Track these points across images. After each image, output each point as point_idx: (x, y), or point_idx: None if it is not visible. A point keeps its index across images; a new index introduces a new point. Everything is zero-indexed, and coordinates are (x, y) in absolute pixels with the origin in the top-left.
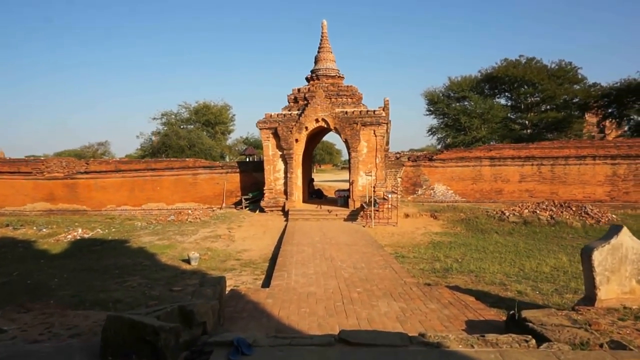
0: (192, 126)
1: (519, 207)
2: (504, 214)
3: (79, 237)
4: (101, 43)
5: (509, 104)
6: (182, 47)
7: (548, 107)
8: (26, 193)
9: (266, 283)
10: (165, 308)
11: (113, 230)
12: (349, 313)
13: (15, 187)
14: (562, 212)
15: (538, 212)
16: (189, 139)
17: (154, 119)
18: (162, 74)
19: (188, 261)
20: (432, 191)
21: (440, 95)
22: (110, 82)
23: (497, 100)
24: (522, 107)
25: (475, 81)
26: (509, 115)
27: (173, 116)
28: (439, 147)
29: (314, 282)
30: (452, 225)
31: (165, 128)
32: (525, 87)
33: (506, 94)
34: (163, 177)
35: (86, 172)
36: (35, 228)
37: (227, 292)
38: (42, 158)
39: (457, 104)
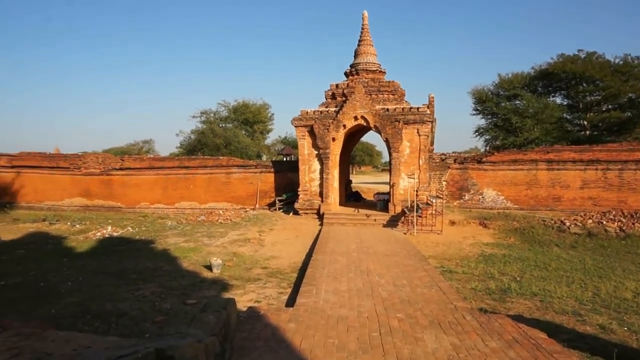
0: (230, 125)
1: (581, 216)
2: (564, 223)
3: (107, 235)
4: (145, 42)
5: (566, 103)
6: (225, 45)
7: (610, 106)
8: (64, 188)
9: (291, 300)
10: (137, 353)
11: (143, 229)
12: (387, 349)
13: (55, 181)
14: (633, 223)
15: (604, 222)
16: (225, 137)
17: (194, 117)
18: (204, 72)
19: (210, 268)
20: (480, 196)
21: (489, 93)
22: (156, 81)
23: (552, 98)
24: (581, 106)
25: (528, 78)
26: (565, 115)
27: (212, 114)
28: (485, 149)
29: (346, 302)
30: (505, 235)
31: (204, 126)
32: (585, 84)
33: (562, 92)
34: (196, 176)
35: (121, 169)
36: (69, 224)
37: (244, 311)
38: (80, 154)
39: (508, 102)
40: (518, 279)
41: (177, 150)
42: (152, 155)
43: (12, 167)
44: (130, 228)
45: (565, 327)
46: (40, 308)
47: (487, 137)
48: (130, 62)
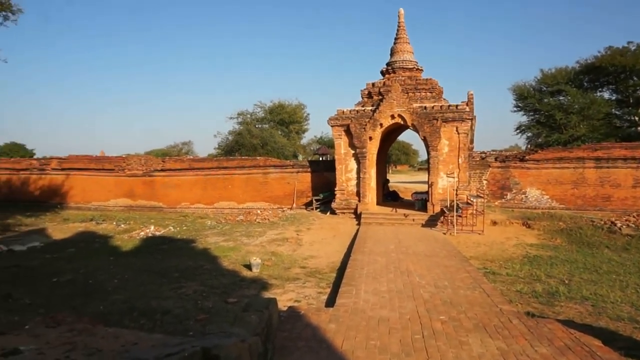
0: (266, 125)
1: (633, 217)
2: (615, 224)
3: (150, 235)
4: (180, 44)
5: (614, 98)
6: (261, 46)
7: None
8: (110, 189)
9: (331, 300)
10: (184, 352)
11: (184, 228)
12: (430, 352)
13: (101, 183)
14: None
15: None
16: (262, 137)
17: (231, 118)
18: (240, 73)
19: (249, 267)
20: (523, 196)
21: (531, 89)
22: (194, 83)
23: (599, 94)
24: (631, 101)
25: (573, 73)
26: (613, 110)
27: (249, 115)
28: (526, 147)
29: (387, 302)
30: (550, 236)
31: (241, 127)
32: (635, 78)
33: (610, 86)
34: (234, 176)
35: (162, 170)
36: (114, 223)
37: (284, 310)
38: (124, 156)
39: (551, 98)
40: (566, 282)
41: (215, 151)
42: (191, 157)
43: (62, 169)
44: (171, 227)
45: (622, 334)
46: (89, 304)
47: (529, 134)
48: (169, 65)
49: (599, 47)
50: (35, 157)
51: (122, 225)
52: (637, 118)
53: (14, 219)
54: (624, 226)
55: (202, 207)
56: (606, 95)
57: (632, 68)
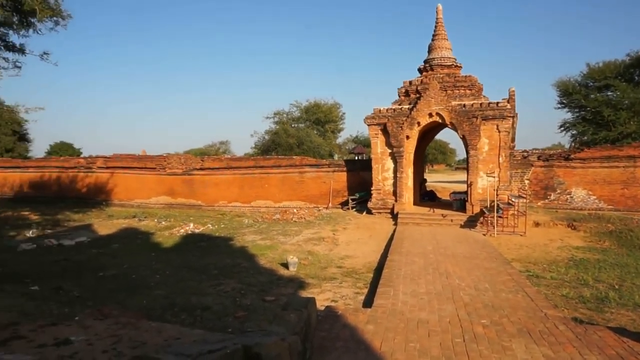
0: (302, 125)
1: None
2: None
3: (190, 232)
4: (217, 44)
5: None
6: (296, 45)
7: None
8: (151, 187)
9: (368, 300)
10: (225, 349)
11: (222, 226)
12: (472, 357)
13: (143, 181)
14: None
15: None
16: (298, 136)
17: (267, 117)
18: (277, 73)
19: (286, 266)
20: (568, 196)
21: (577, 84)
22: (232, 82)
23: None
24: None
25: (622, 66)
26: None
27: (285, 115)
28: (571, 145)
29: (425, 304)
30: (598, 238)
31: (277, 126)
32: None
33: None
34: (271, 175)
35: (201, 169)
36: (156, 220)
37: (322, 310)
38: (164, 155)
39: (598, 94)
40: (617, 287)
41: (252, 151)
42: (229, 156)
43: (107, 167)
44: (210, 225)
45: None
46: (133, 298)
47: (574, 132)
48: (208, 65)
49: None
50: (82, 155)
51: (163, 223)
52: None
53: (63, 214)
54: None
55: (239, 205)
56: None
57: None
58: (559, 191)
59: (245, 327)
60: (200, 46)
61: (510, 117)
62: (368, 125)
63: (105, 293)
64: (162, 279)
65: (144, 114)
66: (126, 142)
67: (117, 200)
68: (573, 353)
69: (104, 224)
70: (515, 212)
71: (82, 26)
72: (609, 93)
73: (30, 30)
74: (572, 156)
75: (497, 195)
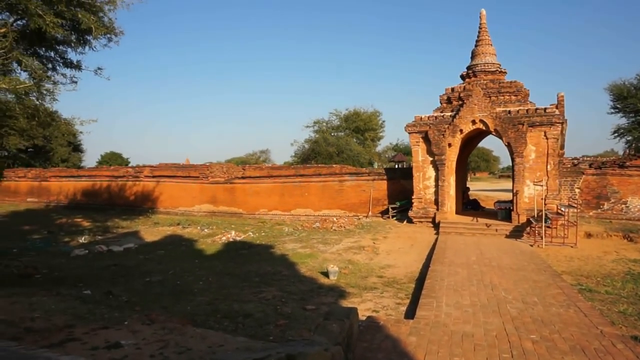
0: (342, 133)
1: None
2: None
3: (231, 240)
4: (254, 51)
5: None
6: (337, 52)
7: None
8: (194, 195)
9: (410, 311)
10: (270, 357)
11: (262, 234)
12: None
13: (186, 189)
14: None
15: None
16: (338, 145)
17: (307, 126)
18: (317, 81)
19: (327, 274)
20: (623, 206)
21: (632, 88)
22: (272, 91)
23: None
24: None
25: None
26: None
27: (324, 123)
28: (626, 151)
29: (470, 317)
30: None
31: (317, 135)
32: None
33: None
34: (311, 183)
35: (242, 178)
36: (198, 228)
37: (363, 321)
38: (207, 164)
39: None
40: None
41: (292, 159)
42: (269, 165)
43: (153, 176)
44: (251, 233)
45: None
46: (178, 304)
47: (628, 138)
48: (250, 73)
49: None
50: (130, 165)
51: (206, 230)
52: None
53: (112, 221)
54: None
55: (280, 213)
56: None
57: None
58: (613, 200)
59: (287, 335)
60: (242, 55)
61: (558, 123)
62: (409, 133)
63: (151, 298)
64: (205, 286)
65: (189, 124)
66: (171, 152)
67: (163, 208)
68: None
69: (150, 231)
70: (565, 222)
71: (128, 37)
72: None
73: (86, 47)
74: (628, 163)
75: (545, 204)
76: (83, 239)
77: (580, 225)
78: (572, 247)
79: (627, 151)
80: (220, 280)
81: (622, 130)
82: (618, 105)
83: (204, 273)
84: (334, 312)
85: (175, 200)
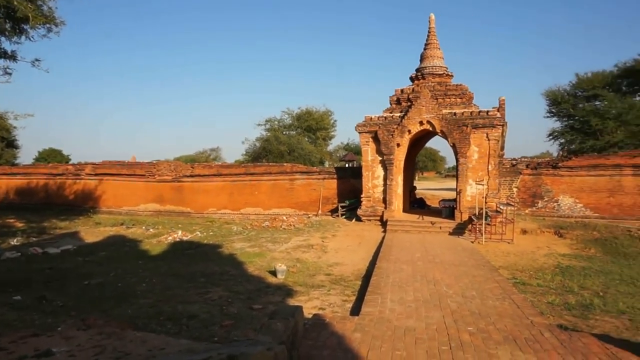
0: (293, 132)
1: None
2: None
3: (178, 239)
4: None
5: None
6: (288, 52)
7: None
8: (140, 194)
9: (356, 308)
10: (211, 359)
11: (211, 233)
12: None
13: (131, 188)
14: None
15: None
16: (289, 144)
17: (258, 124)
18: (268, 80)
19: (275, 273)
20: (555, 204)
21: (566, 94)
22: (223, 89)
23: (638, 98)
24: None
25: (610, 77)
26: None
27: (276, 122)
28: (559, 153)
29: (413, 312)
30: (584, 246)
31: (269, 134)
32: None
33: None
34: (261, 182)
35: (191, 176)
36: (144, 228)
37: (309, 318)
38: (154, 162)
39: (586, 103)
40: (601, 294)
41: (243, 158)
42: (219, 163)
43: (96, 174)
44: (198, 232)
45: None
46: (119, 307)
47: (562, 140)
48: (198, 72)
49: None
50: (70, 162)
51: (151, 230)
52: None
53: (49, 222)
54: None
55: (229, 212)
56: None
57: None
58: (546, 199)
59: (232, 336)
60: (191, 53)
61: (499, 125)
62: (359, 132)
63: (90, 302)
64: (149, 287)
65: (136, 121)
66: (117, 149)
67: (105, 207)
68: None
69: (91, 232)
70: (503, 220)
71: (74, 32)
72: (597, 103)
73: (23, 37)
74: (560, 165)
75: (485, 202)
76: (15, 240)
77: (517, 223)
78: (509, 243)
79: (560, 153)
80: (164, 282)
81: (556, 133)
82: (553, 110)
83: (148, 274)
84: (279, 311)
85: (119, 199)
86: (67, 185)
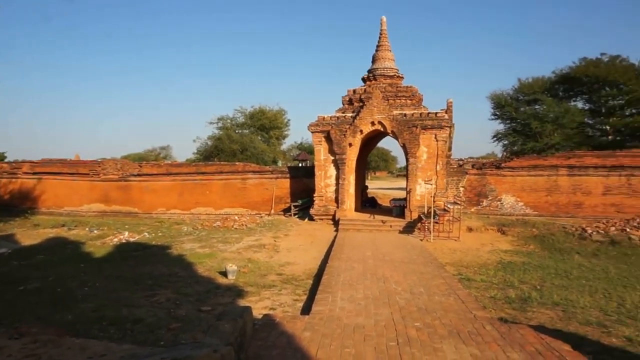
0: (246, 131)
1: (603, 223)
2: (586, 231)
3: (124, 241)
4: (158, 49)
5: (587, 107)
6: (242, 52)
7: (634, 110)
8: (83, 194)
9: (307, 307)
10: None
11: (159, 234)
12: (405, 359)
13: (74, 187)
14: None
15: (628, 230)
16: (242, 143)
17: (211, 123)
18: (221, 78)
19: (225, 274)
20: (499, 202)
21: (509, 98)
22: (173, 87)
23: (574, 103)
24: (603, 111)
25: (549, 83)
26: (586, 120)
27: (229, 120)
28: (503, 154)
29: (362, 310)
30: (524, 242)
31: (221, 132)
32: (607, 88)
33: (584, 96)
34: (212, 181)
35: (139, 175)
36: (87, 229)
37: (259, 319)
38: (99, 161)
39: (527, 107)
40: (538, 287)
41: (194, 156)
42: (169, 161)
43: (34, 173)
44: (146, 234)
45: (590, 338)
46: (57, 313)
47: (505, 142)
48: (149, 69)
49: (575, 58)
50: (6, 160)
51: (95, 231)
52: (608, 127)
53: None
54: (594, 232)
55: (179, 212)
56: (580, 104)
57: (605, 79)
58: (490, 198)
59: (179, 339)
60: (141, 48)
61: (447, 127)
62: (312, 132)
63: (25, 308)
64: (92, 291)
65: (80, 119)
66: (59, 148)
67: (45, 208)
68: (497, 351)
69: (29, 234)
70: (451, 218)
71: (14, 25)
72: (537, 107)
73: None
74: (503, 165)
75: (434, 201)
76: None
77: (463, 221)
78: (455, 240)
79: (504, 154)
80: (108, 285)
81: (500, 135)
82: (497, 113)
83: (91, 278)
84: (227, 312)
85: (61, 199)
86: (1, 184)
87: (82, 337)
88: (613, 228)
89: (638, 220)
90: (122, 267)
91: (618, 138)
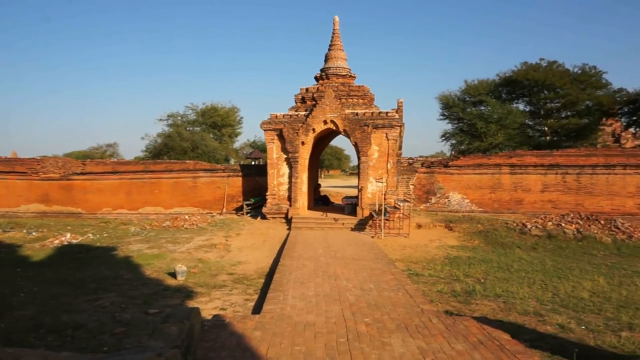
0: (198, 128)
1: (541, 219)
2: (526, 226)
3: (66, 243)
4: (106, 45)
5: (528, 109)
6: (194, 48)
7: (569, 113)
8: (20, 194)
9: (258, 306)
10: None
11: (105, 235)
12: (354, 355)
13: (10, 187)
14: (589, 225)
15: (563, 225)
16: (192, 140)
17: (160, 120)
18: (171, 74)
19: (174, 275)
20: (446, 200)
21: (456, 99)
22: (120, 84)
23: (515, 105)
24: (542, 112)
25: (493, 85)
26: (527, 121)
27: (179, 117)
28: (451, 153)
29: (313, 307)
30: (469, 237)
31: (171, 129)
32: (546, 92)
33: (525, 98)
34: (162, 180)
35: (82, 173)
36: (25, 231)
37: (209, 320)
38: (38, 158)
39: (473, 108)
40: (482, 280)
41: (143, 154)
42: (115, 159)
43: None
44: (90, 235)
45: (527, 327)
46: None
47: (453, 141)
48: (94, 64)
49: (517, 62)
50: None
51: (34, 234)
52: (546, 128)
53: None
54: (533, 227)
55: (126, 212)
56: (521, 106)
57: (543, 83)
58: (438, 195)
59: (124, 344)
60: (88, 43)
61: (398, 126)
62: (264, 130)
63: None
64: (28, 297)
65: (19, 115)
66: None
67: None
68: (442, 343)
69: None
70: (401, 215)
71: None
72: (482, 108)
73: None
74: (450, 164)
75: (384, 199)
76: None
77: (412, 218)
78: (405, 237)
79: (452, 153)
80: (47, 290)
81: (448, 135)
82: (445, 113)
83: (28, 283)
84: (173, 314)
85: None
86: None
87: (16, 347)
88: (550, 223)
89: (572, 215)
90: (63, 271)
91: (555, 138)
